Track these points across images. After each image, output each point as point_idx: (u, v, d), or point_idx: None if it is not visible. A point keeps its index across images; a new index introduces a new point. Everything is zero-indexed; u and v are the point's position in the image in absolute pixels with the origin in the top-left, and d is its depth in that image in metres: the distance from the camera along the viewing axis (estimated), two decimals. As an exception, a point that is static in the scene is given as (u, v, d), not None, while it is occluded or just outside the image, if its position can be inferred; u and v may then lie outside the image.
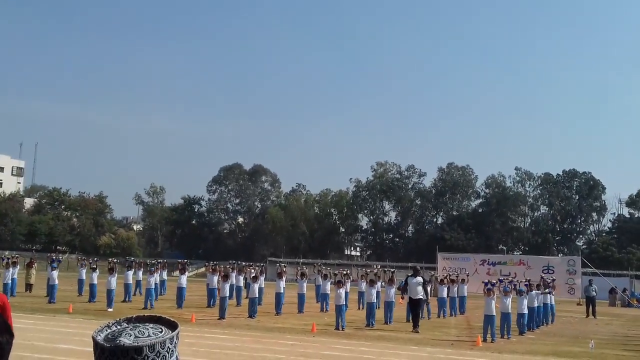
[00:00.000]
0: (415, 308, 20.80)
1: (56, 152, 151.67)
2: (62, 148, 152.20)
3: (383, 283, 25.72)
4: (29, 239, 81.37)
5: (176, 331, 1.66)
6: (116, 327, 1.68)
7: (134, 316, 1.74)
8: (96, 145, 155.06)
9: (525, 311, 20.52)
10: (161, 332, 1.64)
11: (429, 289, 26.89)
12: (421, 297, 20.99)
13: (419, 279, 21.09)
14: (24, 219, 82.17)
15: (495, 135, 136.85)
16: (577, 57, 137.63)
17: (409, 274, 21.80)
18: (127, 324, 1.70)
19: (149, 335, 1.60)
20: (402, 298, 21.43)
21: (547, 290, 25.54)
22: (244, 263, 39.42)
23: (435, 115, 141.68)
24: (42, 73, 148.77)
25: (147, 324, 1.68)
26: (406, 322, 22.93)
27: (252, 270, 30.59)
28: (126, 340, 1.55)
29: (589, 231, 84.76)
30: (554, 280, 30.71)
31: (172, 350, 1.62)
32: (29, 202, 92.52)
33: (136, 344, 1.55)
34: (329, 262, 68.87)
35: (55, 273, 26.48)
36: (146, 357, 1.55)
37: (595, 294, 32.14)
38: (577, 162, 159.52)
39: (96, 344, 1.59)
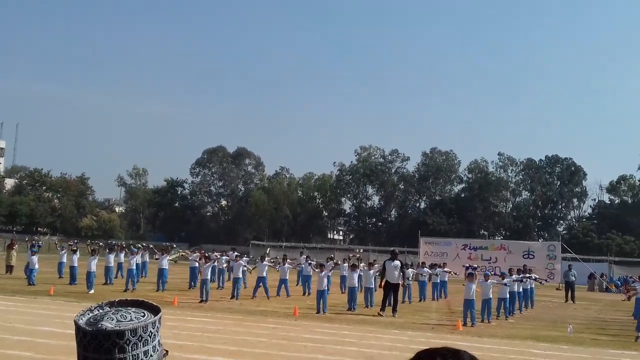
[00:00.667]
0: (392, 292, 20.47)
1: (38, 133, 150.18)
2: (44, 128, 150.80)
3: (364, 266, 25.81)
4: (9, 220, 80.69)
5: (158, 315, 1.67)
6: (98, 311, 1.68)
7: (116, 300, 1.74)
8: (78, 126, 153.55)
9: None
10: (143, 316, 1.64)
11: (410, 273, 27.06)
12: (399, 281, 20.63)
13: (397, 262, 20.69)
14: (5, 200, 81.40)
15: (479, 121, 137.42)
16: (560, 43, 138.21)
17: (387, 258, 21.62)
18: (109, 307, 1.70)
19: (131, 320, 1.60)
20: (380, 286, 21.21)
21: (533, 277, 25.93)
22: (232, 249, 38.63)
23: (420, 100, 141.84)
24: (24, 52, 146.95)
25: (130, 308, 1.69)
26: (388, 306, 23.09)
27: (235, 253, 30.60)
28: (108, 325, 1.56)
29: (569, 217, 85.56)
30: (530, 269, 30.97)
31: (154, 335, 1.63)
32: (9, 183, 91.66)
33: (118, 328, 1.55)
34: (311, 245, 69.19)
35: (35, 258, 26.20)
36: (128, 342, 1.55)
37: (574, 279, 32.52)
38: (559, 148, 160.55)
39: (78, 328, 1.59)
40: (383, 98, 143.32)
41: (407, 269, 27.19)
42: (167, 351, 1.71)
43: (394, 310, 20.14)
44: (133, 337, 1.56)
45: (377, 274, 23.04)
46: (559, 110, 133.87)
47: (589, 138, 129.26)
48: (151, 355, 1.61)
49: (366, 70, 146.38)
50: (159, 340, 1.66)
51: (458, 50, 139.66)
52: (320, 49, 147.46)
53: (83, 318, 1.63)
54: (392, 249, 24.04)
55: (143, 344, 1.58)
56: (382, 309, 20.10)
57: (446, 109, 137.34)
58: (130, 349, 1.55)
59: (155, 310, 1.70)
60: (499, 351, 13.52)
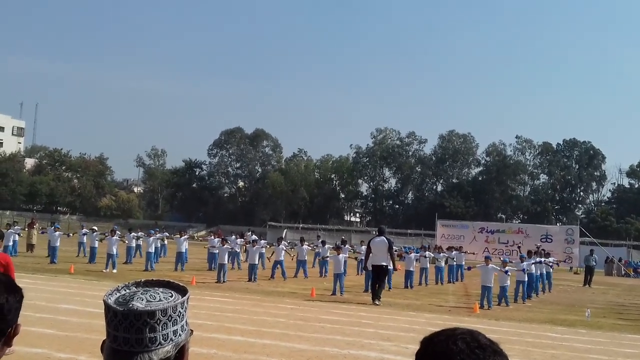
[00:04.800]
0: (378, 276, 17.80)
1: (57, 113, 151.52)
2: (63, 108, 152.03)
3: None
4: (29, 199, 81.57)
5: (186, 296, 1.69)
6: (126, 290, 1.69)
7: (142, 280, 1.76)
8: (98, 107, 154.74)
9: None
10: (171, 296, 1.66)
11: (429, 255, 27.00)
12: (384, 263, 17.86)
13: (384, 239, 17.97)
14: (25, 179, 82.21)
15: (498, 103, 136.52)
16: (580, 26, 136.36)
17: (374, 236, 19.08)
18: (136, 287, 1.71)
19: (160, 300, 1.62)
20: (364, 268, 19.44)
21: (549, 260, 25.86)
22: (249, 230, 38.59)
23: (438, 82, 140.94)
24: (43, 32, 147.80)
25: (157, 288, 1.70)
26: (403, 289, 23.10)
27: (253, 235, 30.90)
28: (139, 305, 1.57)
29: (588, 201, 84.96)
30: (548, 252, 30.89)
31: (182, 315, 1.65)
32: (29, 163, 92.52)
33: (149, 308, 1.57)
34: (328, 227, 69.34)
35: (57, 234, 26.61)
36: (158, 321, 1.57)
37: (594, 264, 32.41)
38: (578, 131, 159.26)
39: (108, 307, 1.61)
40: (400, 81, 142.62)
41: (425, 252, 27.19)
42: (192, 330, 1.73)
43: (377, 296, 17.61)
44: (163, 317, 1.58)
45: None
46: (579, 93, 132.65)
47: (608, 121, 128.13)
48: (180, 335, 1.63)
49: (383, 53, 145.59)
50: (186, 320, 1.68)
51: (477, 34, 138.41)
52: (339, 31, 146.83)
53: (112, 297, 1.65)
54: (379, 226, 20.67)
55: (172, 323, 1.60)
56: (375, 297, 17.64)
57: (464, 92, 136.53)
58: (160, 328, 1.57)
59: (182, 291, 1.72)
60: (516, 334, 13.50)
